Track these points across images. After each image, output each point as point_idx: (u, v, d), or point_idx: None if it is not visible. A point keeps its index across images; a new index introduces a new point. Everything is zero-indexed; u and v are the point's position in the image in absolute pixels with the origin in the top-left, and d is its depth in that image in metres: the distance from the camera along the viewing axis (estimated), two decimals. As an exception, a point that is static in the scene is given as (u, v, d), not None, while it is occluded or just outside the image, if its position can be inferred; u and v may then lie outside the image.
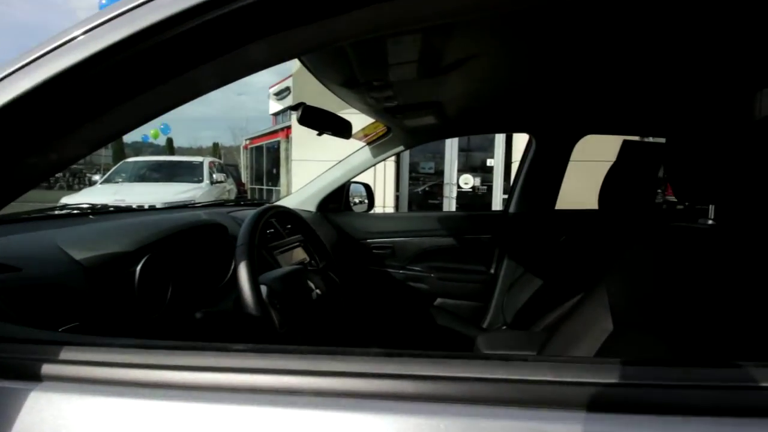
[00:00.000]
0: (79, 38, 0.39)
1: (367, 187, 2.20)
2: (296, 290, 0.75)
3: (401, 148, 1.79)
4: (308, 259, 1.23)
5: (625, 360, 0.37)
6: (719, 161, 0.71)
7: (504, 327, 1.75)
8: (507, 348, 1.10)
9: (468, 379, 0.36)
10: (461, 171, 6.93)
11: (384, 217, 2.11)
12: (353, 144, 1.86)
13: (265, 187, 13.17)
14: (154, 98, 0.41)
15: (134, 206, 1.20)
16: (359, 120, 1.65)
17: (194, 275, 0.87)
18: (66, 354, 0.41)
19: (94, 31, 0.39)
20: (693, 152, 0.75)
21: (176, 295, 0.81)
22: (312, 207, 1.93)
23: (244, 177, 14.67)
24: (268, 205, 0.80)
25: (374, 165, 1.84)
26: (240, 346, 0.41)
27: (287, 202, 1.96)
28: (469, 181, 6.84)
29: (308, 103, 1.08)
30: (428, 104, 1.26)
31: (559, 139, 1.73)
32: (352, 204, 2.31)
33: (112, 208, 1.20)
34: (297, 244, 1.23)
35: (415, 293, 1.92)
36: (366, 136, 1.75)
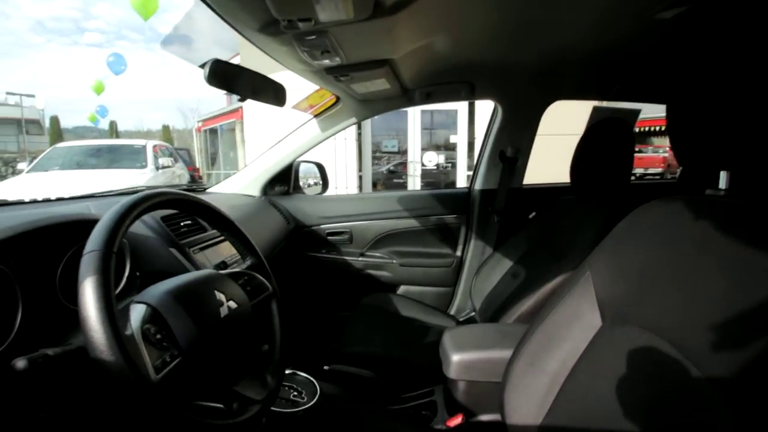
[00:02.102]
0: None
1: (320, 166, 1.98)
2: (194, 307, 0.54)
3: (353, 120, 1.57)
4: (238, 255, 1.02)
5: None
6: (736, 120, 0.56)
7: (473, 313, 1.63)
8: (477, 347, 0.95)
9: None
10: (425, 149, 6.80)
11: (339, 199, 1.90)
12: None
13: (222, 171, 12.47)
14: None
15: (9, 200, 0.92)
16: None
17: (61, 294, 0.64)
18: None
19: None
20: (704, 112, 0.60)
21: (29, 324, 0.58)
22: (256, 191, 1.70)
23: (199, 161, 13.82)
24: (148, 191, 0.57)
25: (323, 140, 1.61)
26: None
27: (227, 186, 1.71)
28: (432, 159, 6.73)
29: (220, 59, 0.84)
30: (377, 63, 1.05)
31: (527, 105, 1.57)
32: (305, 186, 2.09)
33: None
34: (224, 237, 1.01)
35: (376, 282, 1.75)
36: (312, 106, 1.52)
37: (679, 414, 0.49)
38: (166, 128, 27.17)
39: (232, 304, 0.61)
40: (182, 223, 0.96)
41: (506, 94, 1.53)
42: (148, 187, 0.82)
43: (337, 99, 1.49)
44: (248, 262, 0.78)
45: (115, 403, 0.47)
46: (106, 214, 0.50)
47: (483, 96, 1.54)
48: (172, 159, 6.79)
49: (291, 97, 1.43)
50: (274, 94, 1.05)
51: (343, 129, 1.60)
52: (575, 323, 0.73)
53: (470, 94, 1.48)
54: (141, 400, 0.42)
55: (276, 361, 0.70)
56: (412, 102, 1.52)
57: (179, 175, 7.03)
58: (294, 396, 0.99)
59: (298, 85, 1.28)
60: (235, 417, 0.55)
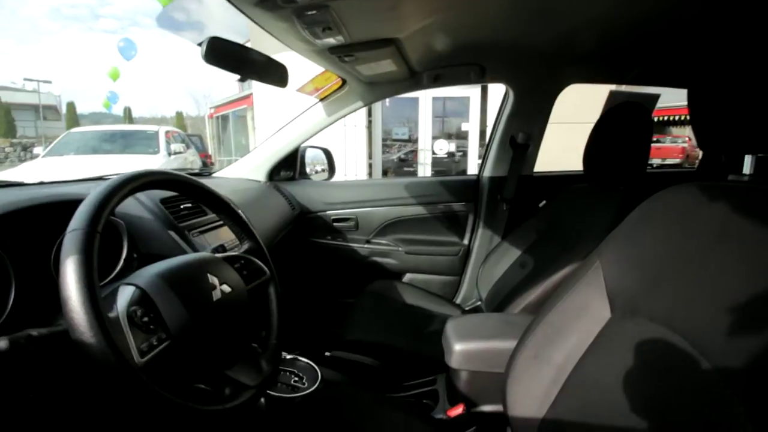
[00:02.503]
0: None
1: (326, 152, 1.96)
2: (185, 290, 0.53)
3: (359, 104, 1.53)
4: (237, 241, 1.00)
5: None
6: (764, 100, 0.52)
7: (479, 302, 1.60)
8: (480, 337, 0.93)
9: None
10: (436, 137, 6.71)
11: (345, 185, 1.87)
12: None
13: (233, 158, 12.53)
14: None
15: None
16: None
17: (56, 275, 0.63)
18: None
19: None
20: (728, 94, 0.56)
21: (24, 304, 0.57)
22: (261, 176, 1.68)
23: (211, 148, 13.90)
24: (136, 171, 0.55)
25: (329, 125, 1.58)
26: None
27: (232, 171, 1.70)
28: (443, 147, 6.64)
29: (219, 36, 0.81)
30: (382, 42, 1.01)
31: (540, 89, 1.51)
32: (312, 173, 2.07)
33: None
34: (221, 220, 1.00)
35: (381, 270, 1.73)
36: (317, 90, 1.48)
37: (689, 411, 0.46)
38: (179, 115, 27.39)
39: (226, 288, 0.60)
40: (182, 206, 0.94)
41: (518, 77, 1.47)
42: None
43: (344, 82, 1.46)
44: (246, 246, 0.76)
45: (99, 385, 0.47)
46: (92, 192, 0.49)
47: (494, 79, 1.49)
48: (184, 145, 6.82)
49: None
50: (275, 74, 1.01)
51: (350, 113, 1.57)
52: (583, 315, 0.70)
53: (480, 76, 1.42)
54: (123, 383, 0.41)
55: (272, 347, 0.69)
56: (420, 85, 1.47)
57: (191, 162, 7.08)
58: (295, 381, 0.99)
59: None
60: (227, 402, 0.54)
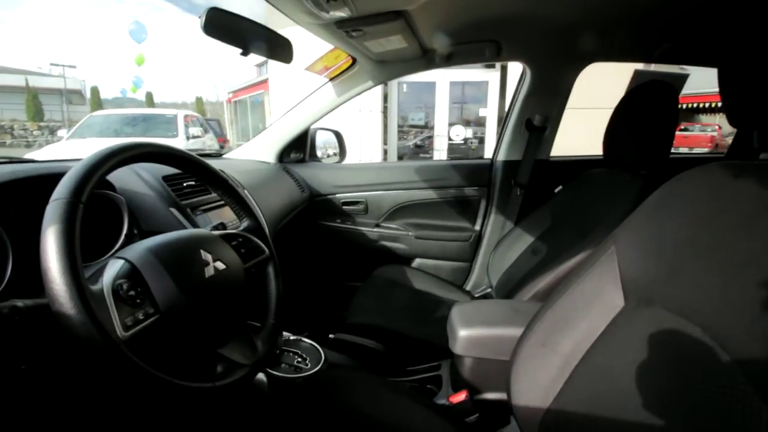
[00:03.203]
0: None
1: (337, 134, 1.93)
2: (175, 266, 0.52)
3: (370, 83, 1.49)
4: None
5: None
6: None
7: (489, 289, 1.57)
8: (486, 323, 0.90)
9: None
10: (453, 123, 6.59)
11: (355, 168, 1.84)
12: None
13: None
14: None
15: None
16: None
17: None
18: None
19: None
20: (760, 68, 0.51)
21: (22, 274, 0.57)
22: (271, 158, 1.67)
23: (230, 133, 14.03)
24: (129, 142, 0.53)
25: (339, 105, 1.55)
26: None
27: (242, 152, 1.69)
28: (460, 133, 6.52)
29: (219, 7, 0.79)
30: (391, 15, 0.96)
31: (559, 67, 1.43)
32: (324, 156, 2.05)
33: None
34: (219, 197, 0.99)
35: (390, 254, 1.70)
36: (326, 68, 1.45)
37: (705, 406, 0.42)
38: (199, 100, 27.71)
39: (220, 265, 0.58)
40: (185, 184, 0.94)
41: (536, 54, 1.40)
42: None
43: (354, 60, 1.41)
44: (245, 224, 0.74)
45: (81, 357, 0.46)
46: (78, 163, 0.47)
47: (510, 57, 1.42)
48: (202, 129, 6.90)
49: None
50: (278, 48, 0.98)
51: (361, 93, 1.53)
52: (594, 302, 0.66)
53: (496, 54, 1.36)
54: (103, 355, 0.40)
55: (270, 327, 0.68)
56: (433, 64, 1.42)
57: (209, 146, 7.16)
58: (298, 362, 0.98)
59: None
60: (217, 380, 0.53)
